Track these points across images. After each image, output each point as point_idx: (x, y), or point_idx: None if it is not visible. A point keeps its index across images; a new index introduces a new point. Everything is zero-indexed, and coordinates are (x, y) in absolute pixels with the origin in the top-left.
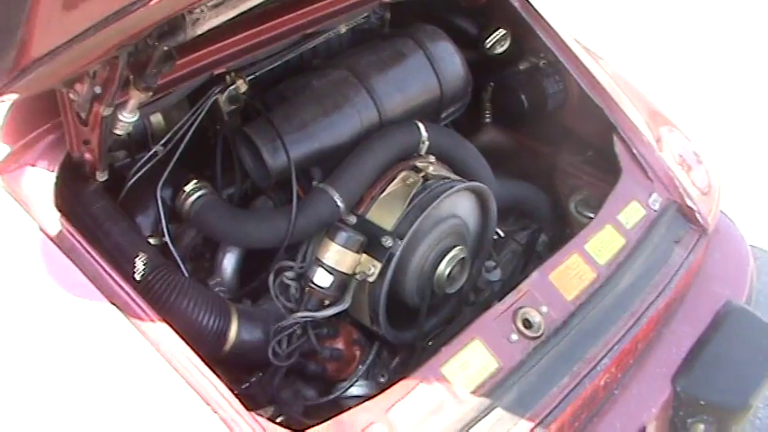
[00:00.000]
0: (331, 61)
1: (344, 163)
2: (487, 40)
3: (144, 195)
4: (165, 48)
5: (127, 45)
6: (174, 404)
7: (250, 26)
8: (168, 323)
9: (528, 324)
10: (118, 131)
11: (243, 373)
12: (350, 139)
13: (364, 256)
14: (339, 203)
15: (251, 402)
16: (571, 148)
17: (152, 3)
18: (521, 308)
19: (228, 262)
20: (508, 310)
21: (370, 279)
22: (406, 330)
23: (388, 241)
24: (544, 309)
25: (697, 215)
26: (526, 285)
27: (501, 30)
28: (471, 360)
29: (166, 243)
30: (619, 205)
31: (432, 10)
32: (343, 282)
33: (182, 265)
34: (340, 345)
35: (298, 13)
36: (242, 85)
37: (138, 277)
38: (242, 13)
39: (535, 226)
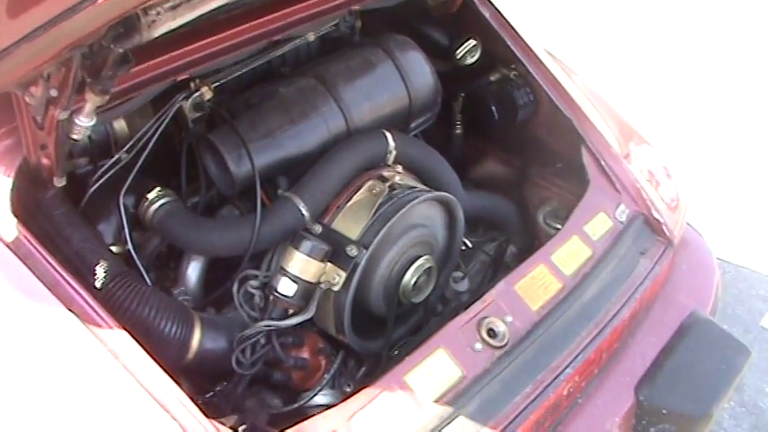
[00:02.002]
0: (299, 69)
1: (310, 172)
2: (458, 51)
3: (106, 202)
4: (120, 50)
5: (79, 46)
6: (133, 412)
7: (214, 32)
8: (128, 331)
9: (492, 333)
10: (75, 136)
11: (207, 382)
12: (316, 147)
13: (329, 265)
14: (304, 212)
15: (214, 411)
16: (541, 160)
17: (99, 1)
18: (485, 317)
19: (193, 270)
20: (473, 320)
21: (335, 288)
22: (373, 340)
23: (353, 250)
24: (509, 318)
25: (663, 227)
26: (491, 295)
27: (472, 40)
28: (435, 369)
29: (129, 251)
30: (585, 216)
31: (403, 19)
32: (308, 291)
33: (144, 274)
34: (305, 354)
35: (264, 19)
36: (207, 92)
37: (98, 285)
38: (206, 18)
39: (503, 237)
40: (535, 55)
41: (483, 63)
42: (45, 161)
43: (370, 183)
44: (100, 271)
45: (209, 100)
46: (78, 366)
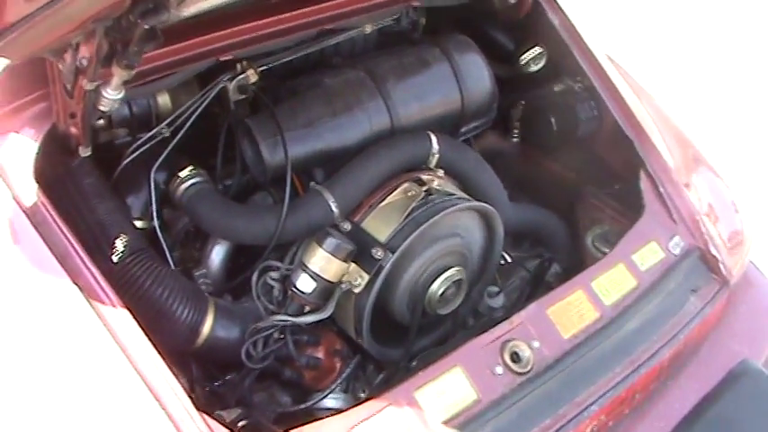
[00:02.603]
0: (351, 61)
1: (346, 167)
2: (522, 57)
3: (139, 176)
4: (146, 26)
5: (103, 18)
6: (121, 395)
7: (263, 15)
8: (132, 311)
9: (516, 358)
10: (103, 108)
11: (218, 370)
12: (357, 143)
13: (353, 265)
14: (333, 208)
15: (218, 401)
16: (599, 179)
17: None
18: (510, 340)
19: (217, 254)
20: (497, 341)
21: (356, 290)
22: (394, 347)
23: (378, 253)
24: (536, 344)
25: (720, 265)
26: (520, 317)
27: (537, 47)
28: (449, 388)
29: (155, 227)
30: (635, 244)
31: (469, 19)
32: (327, 289)
33: (167, 251)
34: (320, 354)
35: (315, 7)
36: (252, 75)
37: (115, 258)
38: (254, 2)
39: (548, 255)
40: (602, 69)
41: (548, 72)
42: (73, 129)
43: (406, 185)
44: (119, 244)
45: (253, 83)
46: (74, 341)
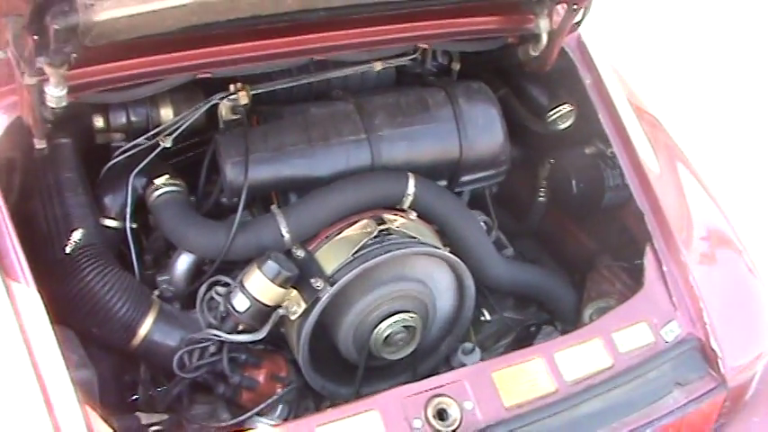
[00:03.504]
0: (348, 94)
1: (308, 195)
2: (551, 114)
3: (122, 179)
4: (56, 27)
5: (8, 14)
6: (9, 372)
7: (249, 38)
8: (42, 296)
9: (442, 416)
10: (50, 104)
11: (167, 377)
12: (330, 174)
13: (294, 292)
14: (284, 233)
15: (147, 405)
16: (621, 252)
17: None
18: (440, 395)
19: (182, 263)
20: (424, 393)
21: (292, 317)
22: (345, 386)
23: (318, 283)
24: (468, 405)
25: (720, 362)
26: (459, 374)
27: (567, 105)
28: (359, 430)
29: (128, 228)
30: (621, 322)
31: (504, 70)
32: (262, 312)
33: (132, 251)
34: (260, 377)
35: (303, 37)
36: (243, 97)
37: (68, 249)
38: (241, 24)
39: (541, 320)
40: (627, 135)
41: (581, 131)
42: (31, 121)
43: (365, 221)
44: (75, 236)
45: (244, 105)
46: None
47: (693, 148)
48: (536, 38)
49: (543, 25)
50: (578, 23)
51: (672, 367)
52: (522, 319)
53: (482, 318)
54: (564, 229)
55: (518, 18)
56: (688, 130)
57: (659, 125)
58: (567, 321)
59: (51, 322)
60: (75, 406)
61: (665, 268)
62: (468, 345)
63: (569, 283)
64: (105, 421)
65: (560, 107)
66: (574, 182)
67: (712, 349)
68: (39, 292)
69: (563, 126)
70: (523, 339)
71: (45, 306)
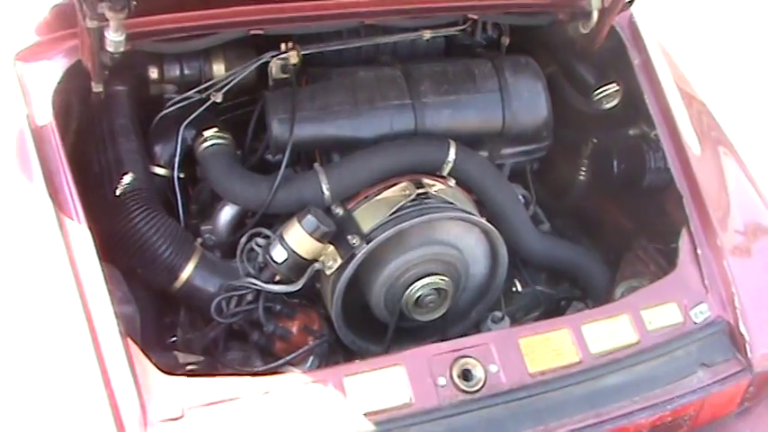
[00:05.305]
0: (396, 61)
1: (352, 156)
2: (597, 93)
3: (172, 129)
4: None
5: None
6: (55, 305)
7: None
8: (95, 235)
9: (466, 376)
10: (109, 49)
11: (205, 322)
12: (374, 137)
13: (331, 247)
14: (325, 190)
15: (184, 347)
16: (658, 234)
17: None
18: (466, 356)
19: (225, 214)
20: (451, 353)
21: (328, 272)
22: (375, 343)
23: (354, 240)
24: (494, 368)
25: (748, 346)
26: (486, 338)
27: (614, 85)
28: (384, 384)
29: (175, 177)
30: (650, 300)
31: (554, 46)
32: (299, 265)
33: (179, 199)
34: (293, 327)
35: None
36: (293, 57)
37: (118, 192)
38: None
39: (573, 295)
40: (672, 118)
41: (627, 111)
42: (89, 65)
43: (404, 184)
44: (125, 180)
45: (294, 64)
46: (31, 247)
47: (741, 135)
48: (587, 15)
49: (595, 3)
50: (630, 2)
51: (698, 348)
52: (554, 293)
53: (514, 289)
54: (603, 209)
55: None
56: (738, 117)
57: (706, 110)
58: (599, 299)
59: (99, 259)
60: (118, 338)
61: (699, 251)
62: (497, 313)
63: (604, 261)
64: (145, 354)
65: (607, 86)
66: (615, 162)
67: (740, 333)
68: (89, 229)
69: (608, 105)
70: (553, 313)
71: (94, 243)
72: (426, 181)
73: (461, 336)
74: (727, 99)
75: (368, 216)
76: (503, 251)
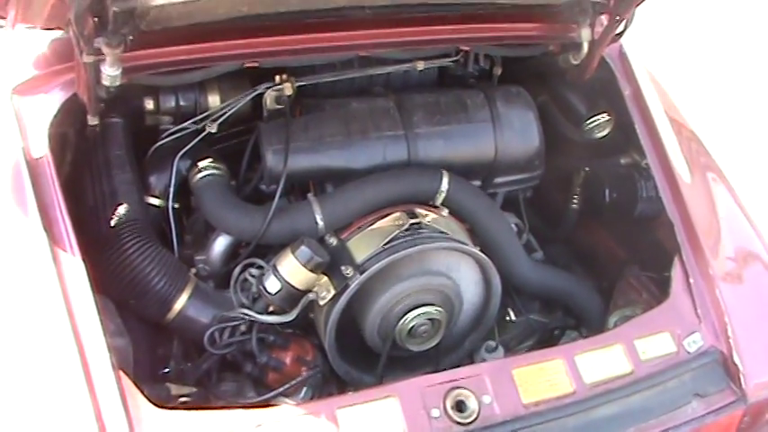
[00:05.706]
0: (389, 91)
1: (346, 186)
2: (588, 122)
3: (167, 160)
4: (116, 9)
5: None
6: (50, 336)
7: (297, 31)
8: (89, 267)
9: (460, 407)
10: (105, 83)
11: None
12: (367, 166)
13: (324, 278)
14: (318, 221)
15: (177, 378)
16: (650, 262)
17: None
18: (459, 387)
19: (219, 244)
20: (444, 384)
21: (321, 302)
22: (367, 373)
23: (348, 271)
24: (487, 399)
25: (742, 376)
26: (480, 368)
27: (605, 115)
28: (378, 415)
29: (170, 207)
30: (643, 330)
31: (546, 76)
32: (293, 296)
33: (173, 229)
34: (286, 358)
35: (347, 33)
36: (288, 88)
37: (113, 223)
38: (291, 17)
39: (571, 324)
40: (662, 146)
41: (619, 142)
42: (86, 99)
43: (397, 214)
44: (120, 211)
45: (288, 96)
46: (25, 279)
47: (730, 162)
48: (577, 47)
49: (585, 35)
50: (620, 34)
51: (692, 378)
52: (547, 322)
53: (507, 318)
54: (595, 237)
55: (560, 26)
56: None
57: (696, 139)
58: (593, 328)
59: (93, 291)
60: (110, 371)
61: (691, 280)
62: (491, 343)
63: (597, 290)
64: (137, 387)
65: (598, 116)
66: (607, 191)
67: (734, 363)
68: (83, 261)
69: (600, 135)
70: (546, 342)
71: (88, 275)
72: (419, 211)
73: (455, 366)
74: (715, 125)
75: (361, 246)
76: (496, 280)
